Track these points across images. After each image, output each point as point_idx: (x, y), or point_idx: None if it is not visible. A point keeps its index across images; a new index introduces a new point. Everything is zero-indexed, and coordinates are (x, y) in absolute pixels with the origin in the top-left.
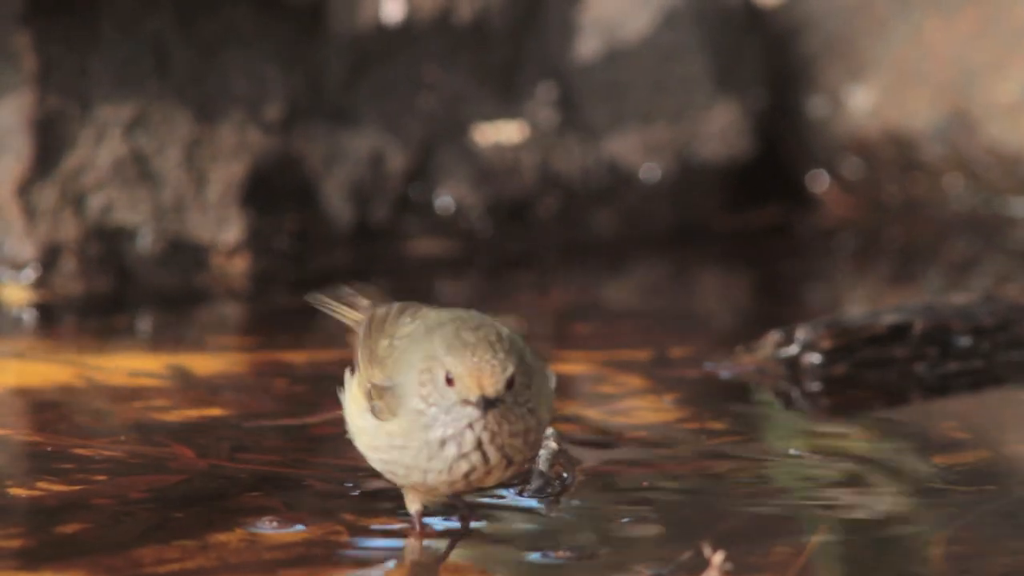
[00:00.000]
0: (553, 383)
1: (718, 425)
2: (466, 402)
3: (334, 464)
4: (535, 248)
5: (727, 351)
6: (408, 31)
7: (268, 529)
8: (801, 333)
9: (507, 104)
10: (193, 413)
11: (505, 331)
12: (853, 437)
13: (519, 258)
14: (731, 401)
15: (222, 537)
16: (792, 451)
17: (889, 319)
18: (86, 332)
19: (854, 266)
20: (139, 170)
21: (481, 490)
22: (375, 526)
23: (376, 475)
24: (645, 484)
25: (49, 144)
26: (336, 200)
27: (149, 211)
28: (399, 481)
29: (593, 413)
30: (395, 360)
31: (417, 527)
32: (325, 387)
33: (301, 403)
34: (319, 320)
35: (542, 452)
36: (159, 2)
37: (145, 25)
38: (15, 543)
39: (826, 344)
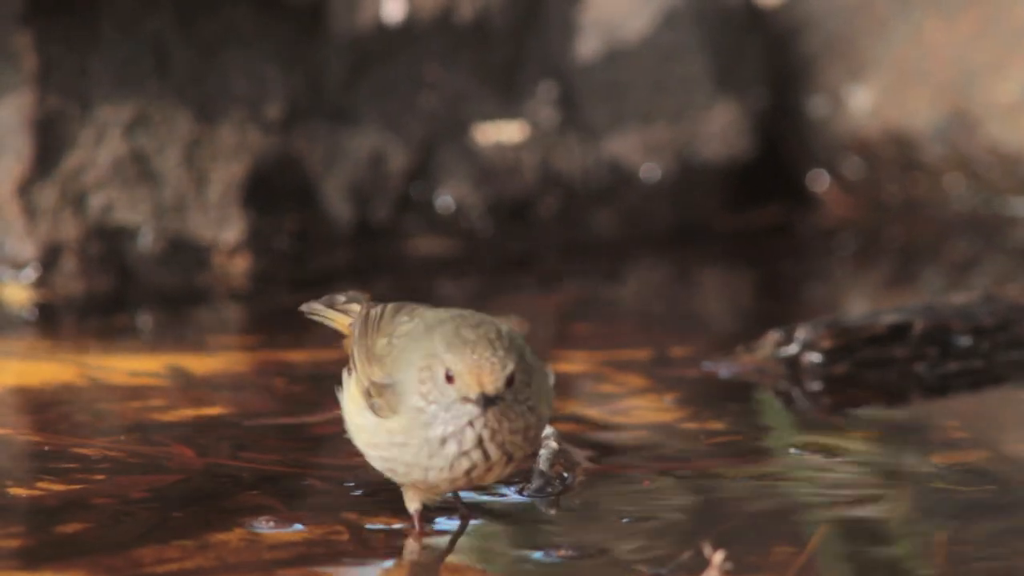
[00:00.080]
0: (552, 381)
1: (718, 425)
2: (466, 399)
3: (334, 463)
4: (536, 248)
5: (727, 351)
6: (409, 30)
7: (265, 528)
8: (801, 333)
9: (508, 103)
10: (193, 413)
11: (505, 328)
12: (853, 437)
13: (520, 258)
14: (731, 401)
15: (222, 537)
16: (792, 451)
17: (889, 319)
18: (86, 332)
19: (854, 266)
20: (139, 170)
21: (481, 487)
22: (375, 526)
23: (376, 474)
24: (646, 484)
25: (49, 144)
26: (336, 200)
27: (149, 211)
28: (399, 479)
29: (593, 413)
30: (394, 358)
31: (417, 526)
32: (325, 386)
33: (301, 402)
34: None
35: (542, 452)
36: (159, 2)
37: (145, 25)
38: (15, 543)
39: (826, 344)
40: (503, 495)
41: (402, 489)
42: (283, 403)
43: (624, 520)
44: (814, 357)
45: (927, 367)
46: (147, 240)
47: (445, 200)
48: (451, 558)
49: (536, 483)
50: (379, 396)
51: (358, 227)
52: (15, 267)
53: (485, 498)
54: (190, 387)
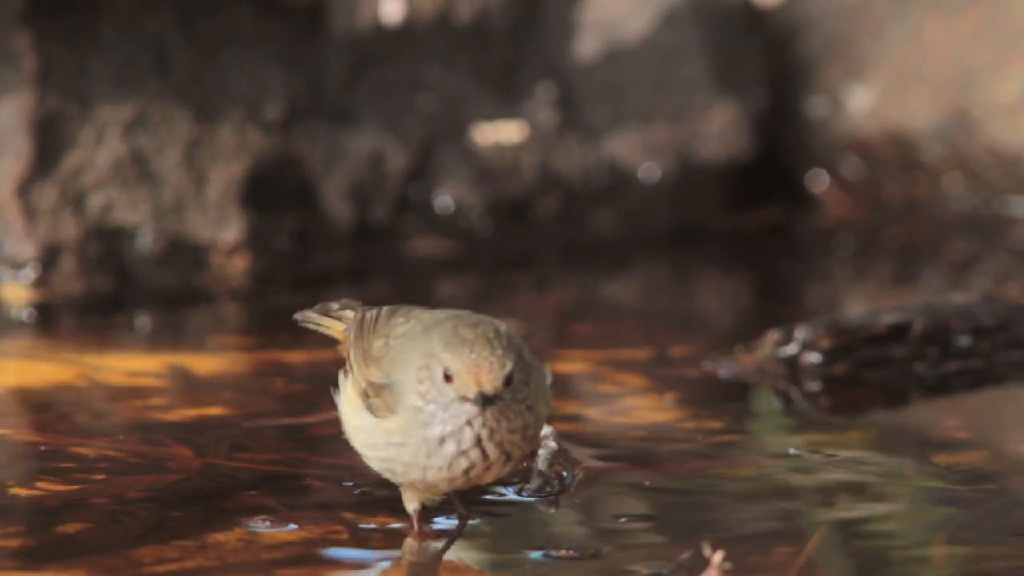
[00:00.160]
0: (549, 380)
1: (717, 425)
2: (464, 399)
3: (333, 464)
4: (535, 248)
5: (727, 351)
6: (408, 31)
7: (265, 528)
8: (801, 333)
9: (507, 104)
10: (192, 413)
11: (503, 328)
12: (853, 437)
13: (519, 258)
14: (730, 401)
15: (221, 537)
16: (792, 451)
17: (889, 319)
18: (86, 332)
19: (854, 266)
20: (139, 170)
21: (480, 487)
22: (375, 526)
23: (374, 474)
24: (647, 484)
25: (49, 144)
26: (336, 200)
27: (149, 211)
28: (397, 479)
29: (593, 413)
30: (391, 359)
31: (416, 526)
32: (324, 387)
33: (300, 403)
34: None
35: (541, 451)
36: (159, 2)
37: (145, 25)
38: (15, 543)
39: (826, 344)
40: (502, 495)
41: (400, 489)
42: (282, 403)
43: (623, 520)
44: (814, 357)
45: (927, 367)
46: (146, 240)
47: (444, 200)
48: (450, 558)
49: (535, 483)
50: (376, 396)
51: (357, 227)
52: (14, 267)
53: (485, 498)
54: (189, 387)
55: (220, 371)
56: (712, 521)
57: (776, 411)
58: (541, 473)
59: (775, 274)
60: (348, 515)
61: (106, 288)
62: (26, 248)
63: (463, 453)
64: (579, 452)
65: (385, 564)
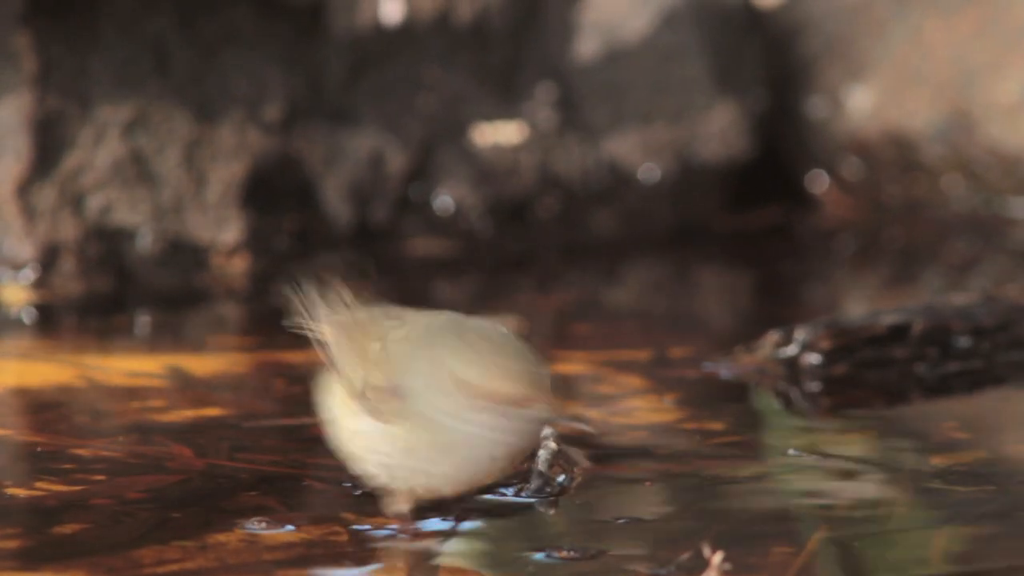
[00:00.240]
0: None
1: (718, 425)
2: (497, 412)
3: (333, 464)
4: (535, 248)
5: (727, 351)
6: (408, 31)
7: (265, 529)
8: (800, 333)
9: (507, 104)
10: (192, 413)
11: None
12: (853, 437)
13: (519, 258)
14: (731, 401)
15: (221, 537)
16: (792, 451)
17: (889, 319)
18: (86, 332)
19: (854, 267)
20: (139, 170)
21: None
22: (374, 526)
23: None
24: (648, 484)
25: (49, 144)
26: (336, 200)
27: (149, 211)
28: (396, 484)
29: (593, 413)
30: (395, 363)
31: (407, 527)
32: None
33: (300, 403)
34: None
35: (541, 452)
36: (159, 2)
37: (145, 25)
38: (14, 543)
39: (826, 344)
40: (502, 495)
41: (387, 492)
42: (282, 404)
43: (622, 521)
44: (814, 358)
45: (927, 368)
46: (146, 241)
47: (444, 201)
48: (450, 559)
49: (535, 484)
50: (378, 401)
51: (357, 228)
52: (14, 268)
53: (485, 498)
54: (189, 388)
55: (220, 371)
56: (712, 522)
57: (776, 412)
58: (541, 474)
59: (775, 275)
60: (348, 515)
61: (106, 289)
62: (26, 249)
63: (475, 460)
64: (579, 453)
65: (385, 565)
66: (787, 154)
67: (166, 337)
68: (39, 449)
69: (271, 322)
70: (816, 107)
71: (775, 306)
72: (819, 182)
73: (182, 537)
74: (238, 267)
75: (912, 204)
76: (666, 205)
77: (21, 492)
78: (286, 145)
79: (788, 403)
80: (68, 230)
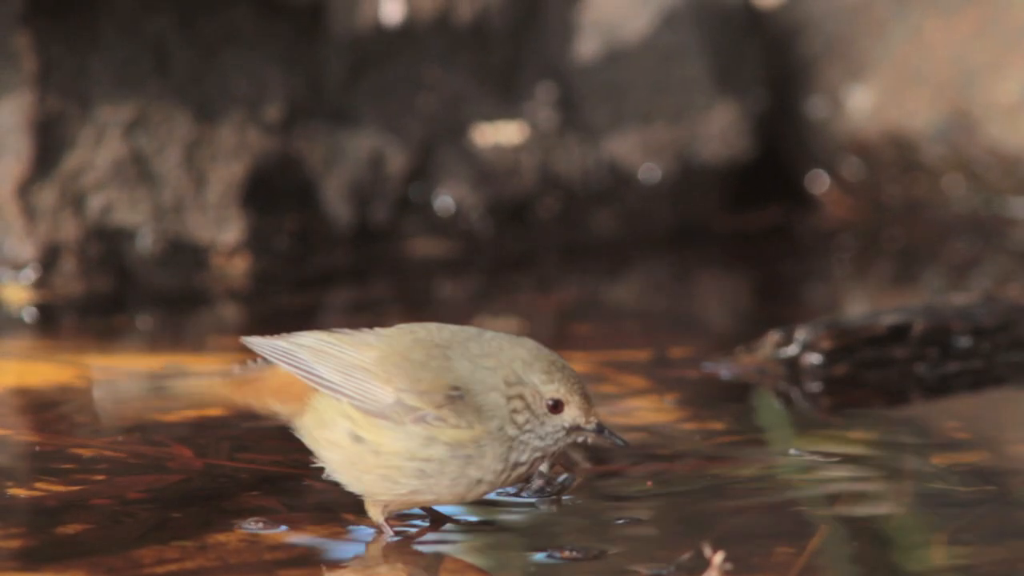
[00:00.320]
0: None
1: (718, 425)
2: (575, 428)
3: None
4: (535, 248)
5: (727, 351)
6: (408, 32)
7: (265, 529)
8: (801, 333)
9: (507, 105)
10: (192, 413)
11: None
12: (853, 437)
13: (519, 258)
14: (731, 401)
15: (222, 537)
16: (792, 451)
17: (889, 320)
18: (86, 332)
19: (854, 267)
20: (139, 170)
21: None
22: (374, 526)
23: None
24: (649, 484)
25: (49, 144)
26: (336, 200)
27: (149, 211)
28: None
29: None
30: (436, 373)
31: (389, 530)
32: None
33: None
34: (318, 320)
35: None
36: (159, 2)
37: (145, 25)
38: (15, 543)
39: (826, 344)
40: (502, 496)
41: (367, 501)
42: None
43: (623, 521)
44: (814, 358)
45: (927, 368)
46: (146, 241)
47: (444, 201)
48: (451, 558)
49: (536, 483)
50: (436, 408)
51: (358, 228)
52: (15, 268)
53: (486, 498)
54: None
55: (220, 372)
56: (712, 521)
57: (777, 412)
58: (542, 474)
59: (775, 275)
60: (348, 515)
61: (106, 289)
62: (26, 249)
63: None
64: (580, 453)
65: (385, 565)
66: (787, 154)
67: (166, 337)
68: (37, 448)
69: (272, 322)
70: (816, 107)
71: (775, 306)
72: (819, 182)
73: (182, 537)
74: (238, 267)
75: (912, 204)
76: (666, 205)
77: (22, 492)
78: (286, 145)
79: (789, 403)
80: (69, 230)
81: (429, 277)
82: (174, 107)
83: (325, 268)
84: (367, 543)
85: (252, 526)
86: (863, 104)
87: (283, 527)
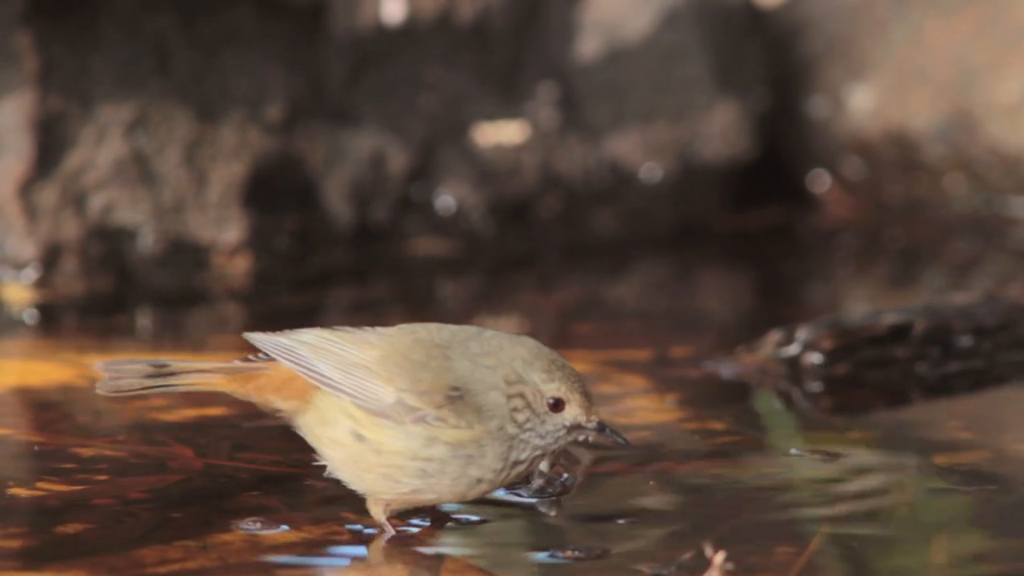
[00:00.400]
0: None
1: (719, 425)
2: (576, 427)
3: None
4: (536, 248)
5: (728, 351)
6: (409, 31)
7: (266, 529)
8: (802, 333)
9: (508, 104)
10: (193, 413)
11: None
12: (854, 437)
13: (520, 258)
14: (732, 401)
15: (223, 537)
16: (793, 451)
17: (890, 319)
18: (87, 332)
19: (855, 266)
20: (140, 170)
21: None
22: (375, 526)
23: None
24: (651, 484)
25: (50, 144)
26: (337, 200)
27: (150, 211)
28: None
29: None
30: (435, 373)
31: (391, 529)
32: None
33: None
34: (319, 320)
35: None
36: (160, 2)
37: (146, 25)
38: (16, 543)
39: (827, 344)
40: (504, 495)
41: (369, 499)
42: None
43: (624, 520)
44: (815, 357)
45: (928, 367)
46: (147, 241)
47: (445, 201)
48: (452, 558)
49: (537, 483)
50: (436, 408)
51: (358, 227)
52: (16, 267)
53: (486, 498)
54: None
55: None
56: (712, 521)
57: (777, 411)
58: (543, 474)
59: (776, 274)
60: (348, 515)
61: (107, 288)
62: (27, 248)
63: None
64: (580, 453)
65: (386, 564)
66: (788, 154)
67: (167, 337)
68: (36, 448)
69: (272, 322)
70: (817, 107)
71: (776, 306)
72: (820, 182)
73: (183, 537)
74: (239, 267)
75: (913, 204)
76: (667, 205)
77: (23, 492)
78: (287, 145)
79: (789, 403)
80: (70, 230)
81: (430, 277)
82: (175, 107)
83: (326, 268)
84: (368, 543)
85: (252, 526)
86: (864, 104)
87: (283, 527)
